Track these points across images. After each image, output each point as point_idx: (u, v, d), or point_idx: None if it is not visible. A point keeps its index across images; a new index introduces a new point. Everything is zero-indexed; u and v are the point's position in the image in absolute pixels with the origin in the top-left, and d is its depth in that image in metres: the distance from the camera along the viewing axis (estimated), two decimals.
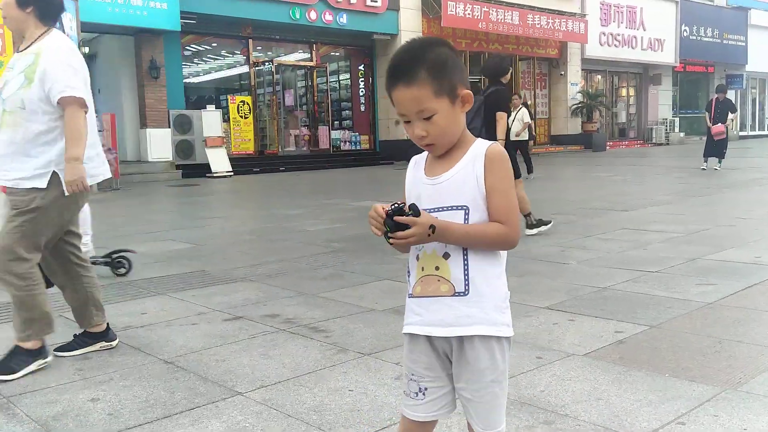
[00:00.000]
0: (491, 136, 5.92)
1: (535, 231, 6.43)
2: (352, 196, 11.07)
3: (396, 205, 1.43)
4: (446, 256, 1.49)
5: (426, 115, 1.45)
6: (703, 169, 13.43)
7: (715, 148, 13.58)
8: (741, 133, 33.02)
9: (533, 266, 4.99)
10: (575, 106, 25.27)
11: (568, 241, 6.06)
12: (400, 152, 19.11)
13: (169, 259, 5.76)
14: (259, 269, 5.21)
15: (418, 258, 1.52)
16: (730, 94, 32.98)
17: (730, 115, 13.78)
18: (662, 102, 29.78)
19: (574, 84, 25.57)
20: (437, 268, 1.49)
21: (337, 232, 7.07)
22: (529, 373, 2.82)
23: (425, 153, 1.57)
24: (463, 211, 1.48)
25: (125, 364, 3.09)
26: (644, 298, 3.96)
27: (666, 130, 28.63)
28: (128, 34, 16.33)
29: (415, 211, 1.42)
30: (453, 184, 1.50)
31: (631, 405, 2.46)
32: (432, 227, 1.41)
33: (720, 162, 13.58)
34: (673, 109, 30.09)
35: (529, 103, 20.25)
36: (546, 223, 6.57)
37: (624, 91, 29.72)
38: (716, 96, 14.03)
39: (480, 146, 1.52)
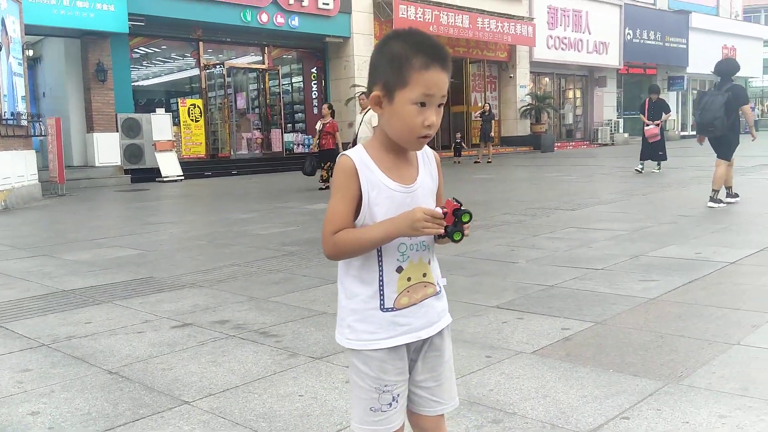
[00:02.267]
0: (731, 124, 7.62)
1: (733, 200, 8.02)
2: (305, 199, 11.01)
3: (454, 200, 1.43)
4: (429, 261, 1.53)
5: (443, 102, 1.45)
6: (637, 170, 13.28)
7: (651, 151, 13.44)
8: (682, 133, 34.11)
9: (484, 266, 5.05)
10: (524, 108, 25.69)
11: (518, 240, 6.16)
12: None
13: (115, 266, 5.61)
14: (209, 275, 5.13)
15: (399, 270, 1.48)
16: (672, 96, 34.10)
17: (664, 116, 13.56)
18: (607, 103, 30.53)
19: (523, 86, 25.99)
20: (424, 275, 1.51)
21: (290, 236, 7.02)
22: (479, 372, 2.85)
23: (361, 152, 1.48)
24: None
25: (67, 375, 2.99)
26: (590, 295, 4.05)
27: (611, 130, 29.35)
28: (74, 36, 15.90)
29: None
30: (424, 190, 1.51)
31: (577, 401, 2.51)
32: None
33: (659, 164, 13.47)
34: (617, 111, 30.88)
35: (489, 107, 20.28)
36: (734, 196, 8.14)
37: (571, 93, 30.37)
38: (649, 97, 13.86)
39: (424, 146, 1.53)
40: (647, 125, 13.43)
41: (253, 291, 4.53)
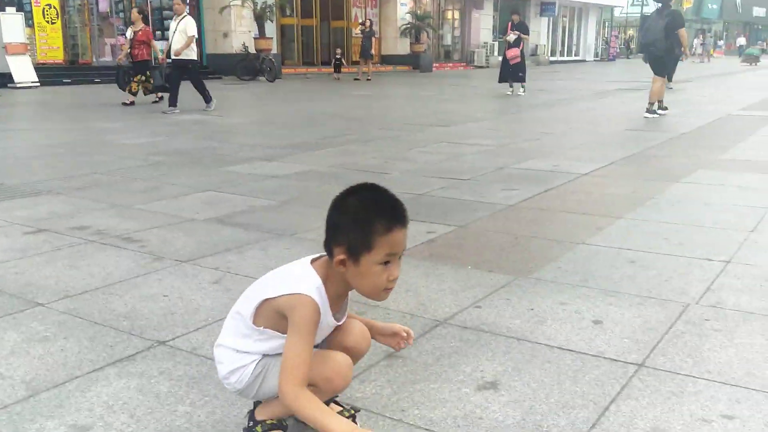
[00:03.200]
0: (669, 45, 8.64)
1: (663, 113, 9.23)
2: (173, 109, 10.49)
3: None
4: None
5: (402, 254, 1.51)
6: (509, 94, 13.64)
7: (511, 72, 13.63)
8: (551, 58, 35.49)
9: (357, 177, 5.11)
10: (404, 27, 25.58)
11: (392, 153, 6.26)
12: (229, 66, 18.32)
13: None
14: (68, 182, 4.83)
15: None
16: (544, 21, 35.08)
17: (523, 37, 13.52)
18: (483, 26, 31.04)
19: (403, 4, 25.78)
20: None
21: (158, 146, 6.71)
22: None
23: (323, 296, 1.51)
24: None
25: None
26: (455, 203, 4.23)
27: (486, 53, 30.00)
28: None
29: None
30: None
31: (436, 294, 2.66)
32: None
33: (523, 87, 13.77)
34: (493, 34, 31.50)
35: (370, 23, 19.80)
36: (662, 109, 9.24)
37: (450, 14, 30.54)
38: (511, 19, 13.93)
39: None
40: (508, 47, 13.63)
41: (116, 199, 4.33)
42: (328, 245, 1.51)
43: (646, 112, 9.14)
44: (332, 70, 19.93)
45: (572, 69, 28.95)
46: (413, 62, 25.38)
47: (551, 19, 35.79)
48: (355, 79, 19.42)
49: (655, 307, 2.51)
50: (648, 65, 9.18)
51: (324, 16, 23.96)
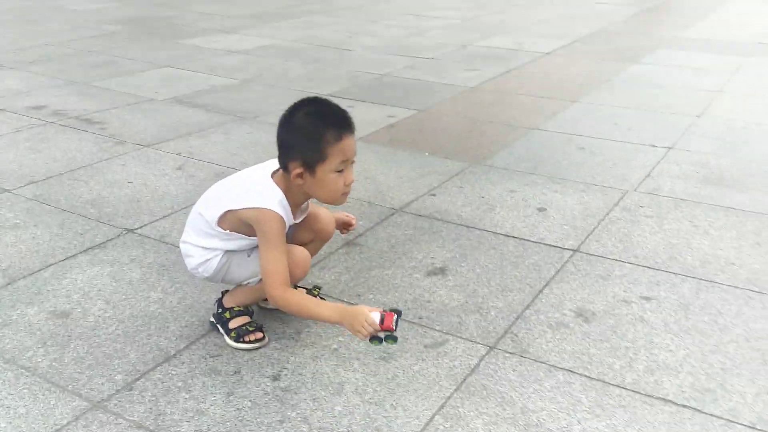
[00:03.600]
0: None
1: None
2: None
3: (397, 315, 1.50)
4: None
5: (354, 159, 1.60)
6: None
7: None
8: None
9: (320, 53, 5.05)
10: None
11: (355, 27, 6.13)
12: None
13: None
14: (21, 55, 4.68)
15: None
16: None
17: None
18: None
19: None
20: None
21: (111, 13, 6.44)
22: None
23: (286, 206, 1.60)
24: None
25: None
26: (417, 84, 4.26)
27: None
28: None
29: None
30: None
31: (394, 182, 2.78)
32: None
33: None
34: None
35: None
36: None
37: None
38: None
39: None
40: None
41: (72, 74, 4.24)
42: (283, 161, 1.60)
43: None
44: None
45: None
46: None
47: None
48: None
49: (597, 194, 2.69)
50: None
51: None
